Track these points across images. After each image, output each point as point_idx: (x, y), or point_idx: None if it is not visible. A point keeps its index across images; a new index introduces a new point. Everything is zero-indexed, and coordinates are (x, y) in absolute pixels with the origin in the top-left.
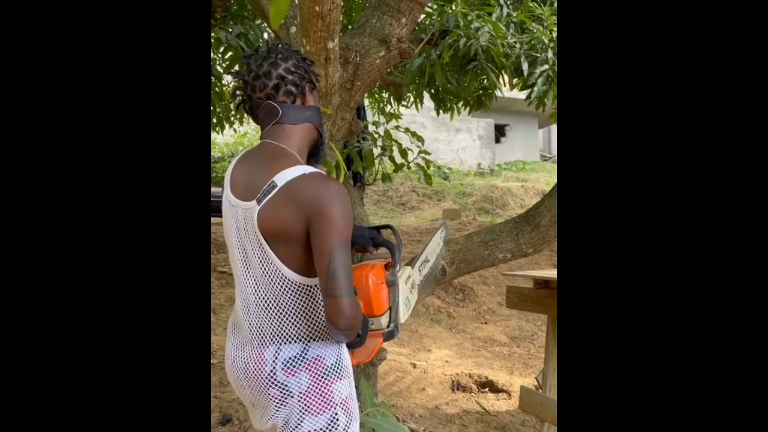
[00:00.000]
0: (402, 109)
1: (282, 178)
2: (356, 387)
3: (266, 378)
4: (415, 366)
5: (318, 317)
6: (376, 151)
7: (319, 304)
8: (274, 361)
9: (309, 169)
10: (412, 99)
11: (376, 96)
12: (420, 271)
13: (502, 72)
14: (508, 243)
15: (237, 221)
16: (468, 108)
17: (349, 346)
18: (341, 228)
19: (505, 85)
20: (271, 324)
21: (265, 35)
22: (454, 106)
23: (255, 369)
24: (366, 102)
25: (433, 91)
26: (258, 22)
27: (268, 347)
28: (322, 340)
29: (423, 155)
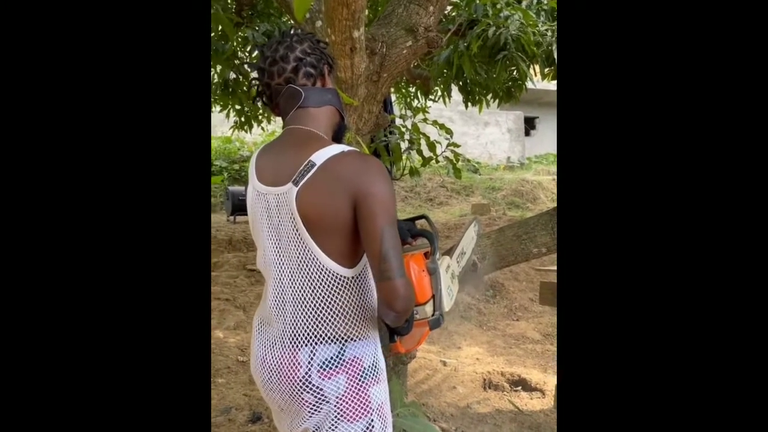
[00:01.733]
0: (429, 104)
1: (320, 156)
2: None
3: (300, 382)
4: (445, 364)
5: (356, 313)
6: (404, 145)
7: (358, 299)
8: (309, 363)
9: (346, 147)
10: (439, 93)
11: (403, 90)
12: (458, 262)
13: (533, 62)
14: (543, 237)
15: (269, 209)
16: (497, 100)
17: (397, 333)
18: (389, 207)
19: (535, 76)
20: (307, 321)
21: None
22: (483, 99)
23: (288, 372)
24: (393, 97)
25: (461, 83)
26: (285, 19)
27: (302, 348)
28: (360, 339)
29: (451, 148)
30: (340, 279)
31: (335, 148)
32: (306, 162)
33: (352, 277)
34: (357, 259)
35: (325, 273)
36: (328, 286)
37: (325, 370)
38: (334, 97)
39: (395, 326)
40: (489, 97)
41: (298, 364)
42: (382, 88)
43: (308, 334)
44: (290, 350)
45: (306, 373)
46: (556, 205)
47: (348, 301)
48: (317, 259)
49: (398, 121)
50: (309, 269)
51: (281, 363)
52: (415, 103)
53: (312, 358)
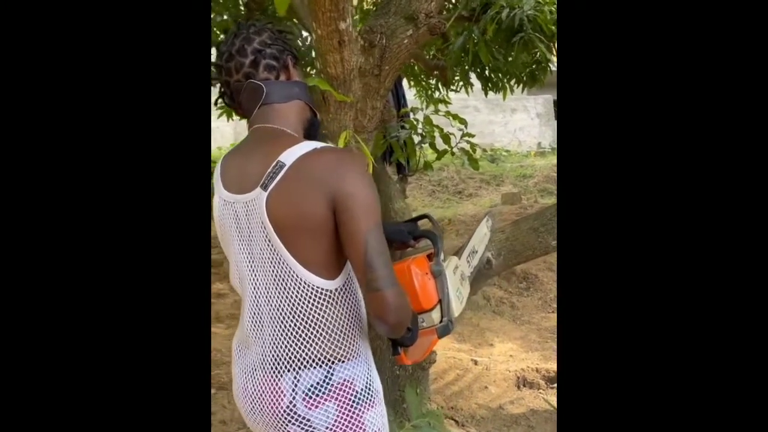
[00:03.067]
0: (452, 94)
1: (290, 156)
2: (400, 396)
3: (284, 413)
4: (476, 363)
5: (344, 331)
6: (416, 138)
7: (344, 314)
8: (293, 391)
9: (319, 144)
10: (461, 83)
11: (423, 83)
12: (468, 262)
13: (552, 42)
14: None
15: (237, 219)
16: (521, 85)
17: (401, 344)
18: (372, 207)
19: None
20: (287, 344)
21: (305, 34)
22: (506, 85)
23: (270, 401)
24: (413, 90)
25: (478, 70)
26: (296, 20)
27: (284, 374)
28: (349, 359)
29: (467, 139)
30: (321, 293)
31: (306, 145)
32: (274, 163)
33: (336, 290)
34: (340, 269)
35: (304, 287)
36: (309, 301)
37: (311, 397)
38: (302, 90)
39: (394, 338)
40: (512, 82)
41: (281, 392)
42: (384, 82)
43: (290, 358)
44: (271, 377)
45: (290, 403)
46: None
47: (333, 318)
48: (294, 271)
49: (411, 115)
50: (286, 284)
51: (263, 392)
52: (436, 94)
53: (296, 386)
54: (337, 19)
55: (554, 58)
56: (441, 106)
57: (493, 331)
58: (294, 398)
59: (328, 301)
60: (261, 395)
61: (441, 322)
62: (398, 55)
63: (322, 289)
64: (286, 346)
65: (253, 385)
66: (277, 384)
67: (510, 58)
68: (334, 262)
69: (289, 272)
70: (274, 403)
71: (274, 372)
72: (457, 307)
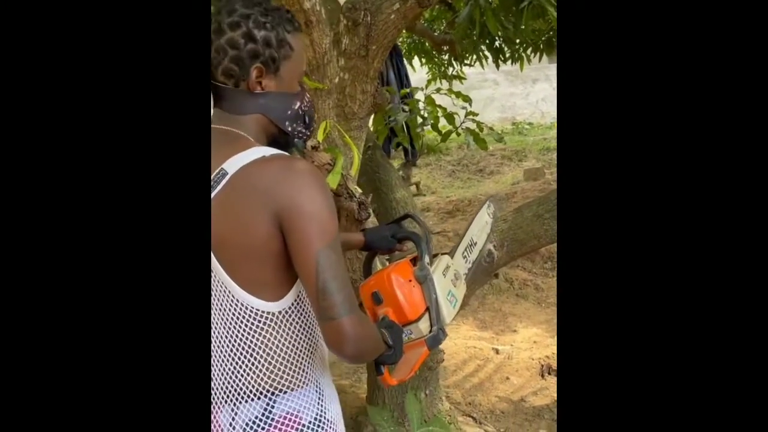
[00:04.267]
0: (469, 69)
1: (234, 163)
2: (402, 404)
3: None
4: (497, 352)
5: (288, 357)
6: (419, 120)
7: (289, 338)
8: (230, 427)
9: (269, 150)
10: (474, 56)
11: (436, 59)
12: (465, 257)
13: None
14: None
15: None
16: (538, 54)
17: (383, 363)
18: (325, 224)
19: None
20: (224, 373)
21: None
22: (523, 54)
23: None
24: (425, 68)
25: (488, 42)
26: None
27: (221, 407)
28: (295, 389)
29: (471, 117)
30: (262, 316)
31: (254, 152)
32: (217, 170)
33: (281, 312)
34: (287, 289)
35: (242, 310)
36: (247, 325)
37: None
38: (269, 102)
39: (367, 361)
40: (529, 51)
41: (219, 429)
42: (373, 62)
43: (227, 390)
44: (214, 410)
45: None
46: None
47: (275, 343)
48: (230, 292)
49: (412, 96)
50: (222, 305)
51: (212, 425)
52: (450, 70)
53: (233, 421)
54: None
55: None
56: (445, 84)
57: (517, 316)
58: None
59: (270, 325)
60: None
61: (431, 331)
62: (386, 33)
63: (263, 312)
64: (221, 377)
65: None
66: (216, 418)
67: (521, 26)
68: (281, 282)
69: (225, 292)
70: None
71: (214, 405)
72: (449, 312)
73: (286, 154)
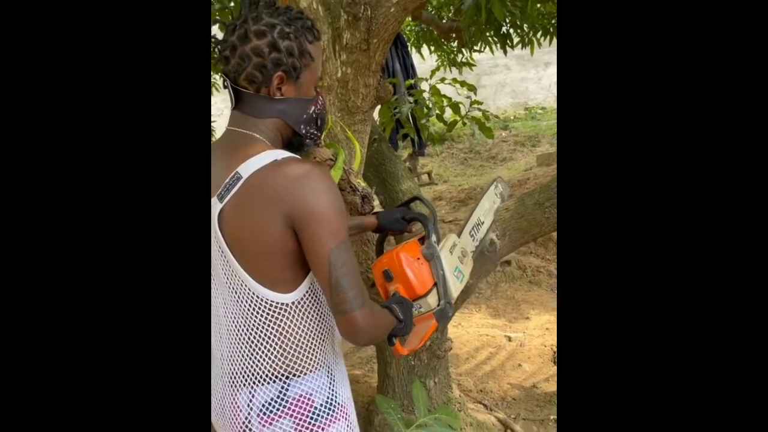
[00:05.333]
0: (480, 55)
1: (248, 167)
2: (410, 392)
3: (240, 429)
4: (510, 339)
5: (301, 344)
6: (425, 111)
7: (302, 327)
8: (248, 408)
9: (282, 153)
10: (482, 43)
11: (445, 47)
12: (473, 236)
13: None
14: None
15: None
16: (548, 37)
17: (395, 335)
18: (335, 226)
19: None
20: (243, 358)
21: None
22: (533, 39)
23: (229, 418)
24: (434, 56)
25: (495, 28)
26: None
27: (240, 389)
28: (307, 373)
29: (476, 106)
30: (276, 306)
31: (267, 156)
32: (233, 173)
33: (294, 303)
34: (300, 281)
35: (258, 301)
36: (263, 315)
37: (266, 414)
38: (288, 108)
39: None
40: (539, 35)
41: (238, 408)
42: (375, 56)
43: (245, 373)
44: (230, 392)
45: (246, 419)
46: None
47: (289, 331)
48: (246, 286)
49: (417, 86)
50: (239, 297)
51: (224, 407)
52: (459, 58)
53: (251, 402)
54: None
55: None
56: (453, 72)
57: (530, 303)
58: (249, 415)
59: (284, 315)
60: (222, 410)
61: (439, 305)
62: (386, 26)
63: (278, 303)
64: (240, 362)
65: (216, 400)
66: (234, 400)
67: (527, 10)
68: (294, 276)
69: (242, 286)
70: (232, 419)
71: (231, 387)
72: (456, 287)
73: (297, 157)
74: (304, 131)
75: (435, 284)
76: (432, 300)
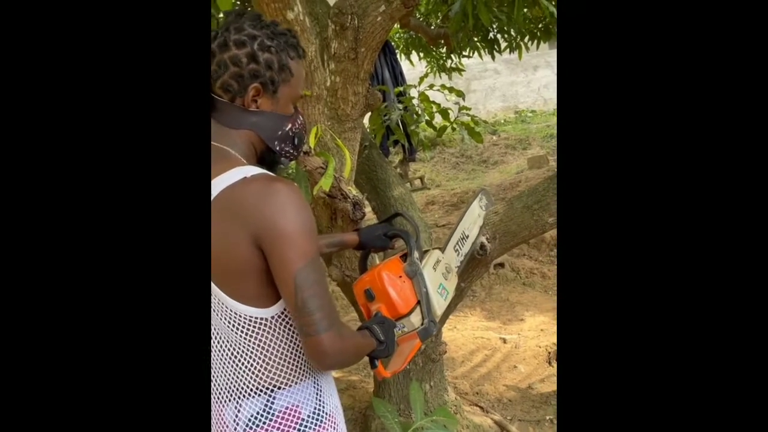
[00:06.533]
0: (469, 60)
1: (217, 184)
2: (408, 396)
3: None
4: (505, 341)
5: (285, 356)
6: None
7: (285, 339)
8: (235, 422)
9: (252, 170)
10: (470, 48)
11: (434, 53)
12: (457, 251)
13: None
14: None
15: None
16: (536, 41)
17: (377, 357)
18: (303, 245)
19: None
20: (226, 374)
21: None
22: (520, 43)
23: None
24: (424, 62)
25: (482, 33)
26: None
27: (227, 404)
28: (293, 384)
29: (464, 111)
30: (256, 322)
31: (238, 173)
32: None
33: (273, 317)
34: (275, 298)
35: (237, 318)
36: (243, 331)
37: (252, 428)
38: (261, 121)
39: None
40: (526, 39)
41: (225, 423)
42: (363, 64)
43: (230, 388)
44: (216, 408)
45: None
46: None
47: (271, 345)
48: (223, 303)
49: (406, 94)
50: (219, 314)
51: (215, 421)
52: (448, 63)
53: (237, 416)
54: (283, 9)
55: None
56: (438, 80)
57: (524, 305)
58: (236, 429)
59: (263, 329)
60: (214, 424)
61: (422, 324)
62: (373, 35)
63: (258, 318)
64: (224, 377)
65: (211, 414)
66: (220, 415)
67: (513, 15)
68: (268, 293)
69: (219, 303)
70: None
71: (216, 403)
72: (440, 304)
73: (268, 173)
74: (278, 148)
75: (418, 302)
76: (415, 319)
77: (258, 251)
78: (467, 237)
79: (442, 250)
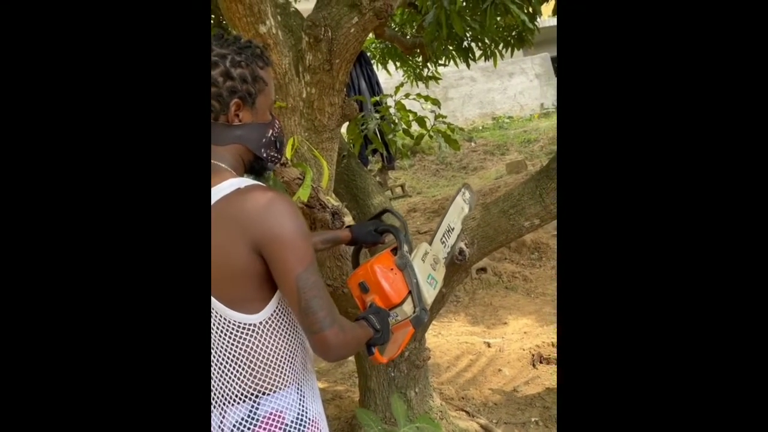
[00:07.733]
0: (446, 69)
1: (212, 196)
2: (390, 403)
3: None
4: (489, 345)
5: (270, 362)
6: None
7: (271, 345)
8: (220, 429)
9: (244, 181)
10: (445, 57)
11: (410, 62)
12: (443, 243)
13: (527, 3)
14: (533, 207)
15: None
16: (509, 49)
17: (374, 345)
18: (302, 251)
19: (548, 15)
20: (214, 379)
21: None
22: (495, 51)
23: None
24: (401, 72)
25: (455, 43)
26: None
27: (213, 411)
28: (277, 390)
29: (441, 120)
30: (244, 327)
31: (231, 185)
32: None
33: (261, 323)
34: (266, 301)
35: (225, 323)
36: (231, 336)
37: None
38: (246, 133)
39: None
40: (500, 47)
41: (212, 429)
42: (338, 75)
43: (215, 395)
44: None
45: None
46: (547, 162)
47: (258, 350)
48: (213, 308)
49: (382, 103)
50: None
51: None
52: (425, 72)
53: (222, 422)
54: (255, 23)
55: (539, 16)
56: (414, 89)
57: (507, 308)
58: None
59: (250, 335)
60: None
61: (414, 312)
62: (347, 46)
63: (246, 323)
64: (211, 382)
65: None
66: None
67: (486, 25)
68: (261, 295)
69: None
70: None
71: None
72: (430, 293)
73: (260, 184)
74: (264, 155)
75: (409, 292)
76: (408, 308)
77: (256, 257)
78: (452, 229)
79: (430, 242)
